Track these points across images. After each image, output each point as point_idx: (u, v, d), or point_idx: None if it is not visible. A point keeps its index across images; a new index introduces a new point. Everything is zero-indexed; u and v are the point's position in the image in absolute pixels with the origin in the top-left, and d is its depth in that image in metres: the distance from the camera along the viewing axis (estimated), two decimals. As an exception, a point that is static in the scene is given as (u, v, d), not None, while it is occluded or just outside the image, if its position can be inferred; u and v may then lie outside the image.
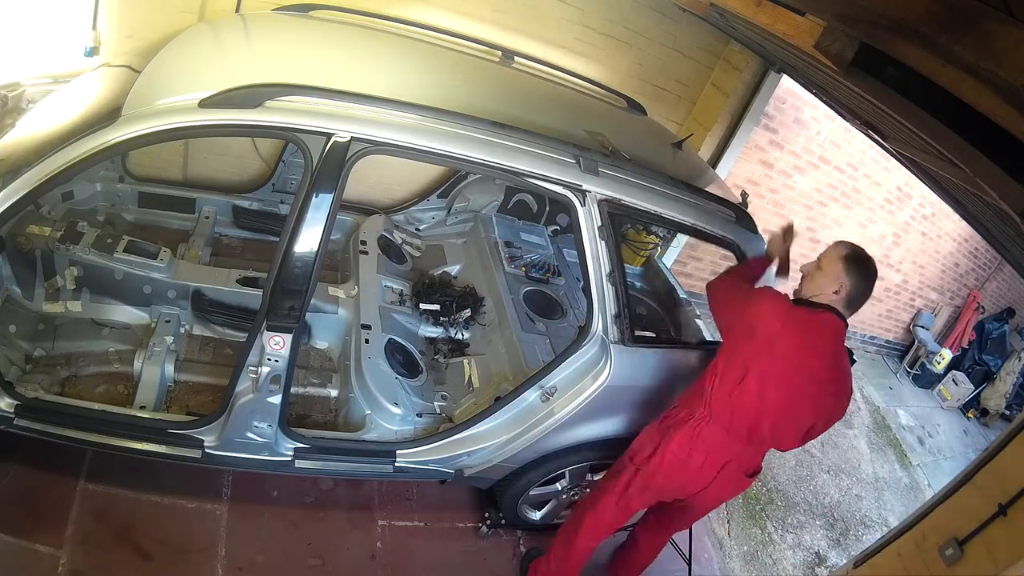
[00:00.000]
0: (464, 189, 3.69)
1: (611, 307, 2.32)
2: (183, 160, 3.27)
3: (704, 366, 2.53)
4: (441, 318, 3.17)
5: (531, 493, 2.72)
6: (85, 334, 2.54)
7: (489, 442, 2.48)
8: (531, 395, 2.43)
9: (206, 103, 1.85)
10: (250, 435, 2.23)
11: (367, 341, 2.76)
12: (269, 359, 2.08)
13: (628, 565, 2.80)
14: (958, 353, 7.02)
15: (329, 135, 1.93)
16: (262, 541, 2.44)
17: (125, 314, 2.66)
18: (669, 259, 4.43)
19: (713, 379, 2.17)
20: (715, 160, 4.09)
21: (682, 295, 3.23)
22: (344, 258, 3.34)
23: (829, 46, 1.68)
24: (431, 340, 3.14)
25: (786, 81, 3.89)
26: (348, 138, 1.95)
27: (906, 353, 6.98)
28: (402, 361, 2.83)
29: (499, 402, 2.49)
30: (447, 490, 2.87)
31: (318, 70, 2.21)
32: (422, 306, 3.17)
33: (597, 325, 2.33)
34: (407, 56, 2.72)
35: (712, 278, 2.48)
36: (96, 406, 2.19)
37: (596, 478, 2.79)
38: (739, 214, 2.55)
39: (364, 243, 3.28)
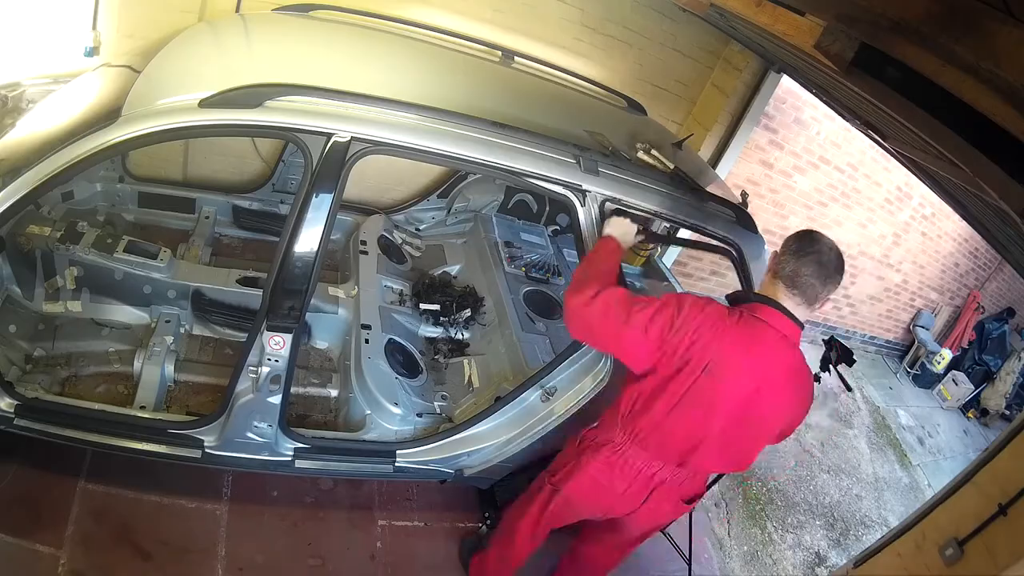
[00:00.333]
0: (464, 189, 3.69)
1: None
2: (183, 160, 3.27)
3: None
4: (441, 318, 3.17)
5: (531, 493, 2.72)
6: (85, 334, 2.54)
7: (489, 442, 2.48)
8: (531, 395, 2.43)
9: (206, 103, 1.85)
10: (250, 435, 2.23)
11: (367, 341, 2.76)
12: (269, 359, 2.09)
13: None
14: (958, 353, 7.02)
15: (329, 135, 1.93)
16: (262, 541, 2.44)
17: (125, 314, 2.66)
18: (669, 259, 4.43)
19: (627, 401, 1.95)
20: (715, 160, 4.09)
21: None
22: (344, 258, 3.35)
23: (829, 46, 1.68)
24: (431, 340, 3.14)
25: (786, 81, 3.89)
26: (348, 138, 1.95)
27: (906, 353, 6.98)
28: (402, 361, 2.83)
29: (499, 402, 2.49)
30: (447, 490, 2.87)
31: (318, 70, 2.21)
32: (422, 306, 3.17)
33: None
34: (407, 56, 2.72)
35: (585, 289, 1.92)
36: (96, 406, 2.19)
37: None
38: (739, 214, 2.55)
39: (364, 243, 3.28)
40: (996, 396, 6.95)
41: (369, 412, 2.57)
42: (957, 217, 3.76)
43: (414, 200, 3.72)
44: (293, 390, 2.42)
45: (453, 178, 3.67)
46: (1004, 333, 7.29)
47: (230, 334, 2.79)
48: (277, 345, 2.07)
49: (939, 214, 5.71)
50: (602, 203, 2.26)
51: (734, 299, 1.96)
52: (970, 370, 7.02)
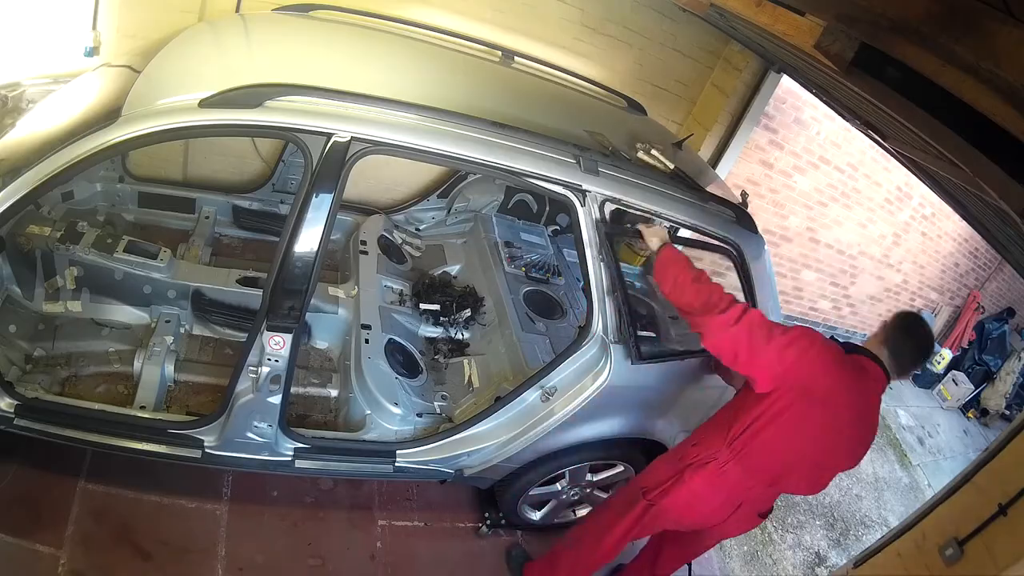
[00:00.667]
0: (464, 189, 3.69)
1: (611, 312, 2.32)
2: (183, 160, 3.26)
3: (702, 367, 2.55)
4: (441, 318, 3.17)
5: (531, 493, 2.72)
6: (85, 334, 2.54)
7: (489, 442, 2.48)
8: (531, 395, 2.43)
9: (206, 103, 1.85)
10: (250, 435, 2.23)
11: (367, 341, 2.76)
12: (269, 359, 2.08)
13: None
14: (958, 353, 7.02)
15: (329, 135, 1.93)
16: (262, 541, 2.44)
17: (125, 314, 2.66)
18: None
19: (741, 422, 2.08)
20: (715, 160, 4.09)
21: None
22: (344, 258, 3.34)
23: (829, 46, 1.68)
24: (431, 340, 3.14)
25: (786, 81, 3.88)
26: (348, 138, 1.95)
27: (906, 353, 6.97)
28: (402, 361, 2.83)
29: (499, 402, 2.49)
30: (447, 490, 2.87)
31: (318, 70, 2.21)
32: (422, 306, 3.16)
33: (597, 325, 2.32)
34: (407, 56, 2.72)
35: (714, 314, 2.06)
36: (96, 406, 2.19)
37: (596, 478, 2.79)
38: (739, 214, 2.55)
39: (364, 243, 3.28)
40: (996, 396, 6.95)
41: (369, 412, 2.57)
42: (957, 217, 3.77)
43: (414, 200, 3.71)
44: (293, 390, 2.41)
45: (453, 178, 3.67)
46: (1004, 333, 7.29)
47: (230, 334, 2.79)
48: (277, 345, 2.07)
49: (939, 214, 5.71)
50: (602, 203, 2.26)
51: (846, 348, 2.11)
52: (970, 370, 7.02)
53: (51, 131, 1.93)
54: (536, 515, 2.87)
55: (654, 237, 2.27)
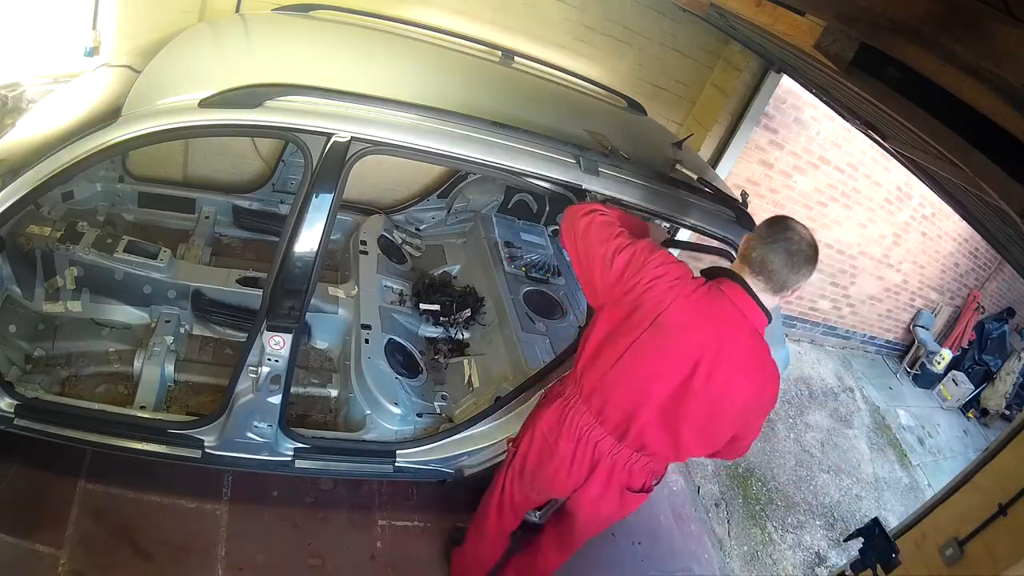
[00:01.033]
0: (464, 189, 3.69)
1: None
2: (183, 160, 3.27)
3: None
4: (441, 318, 3.17)
5: (531, 493, 2.72)
6: (85, 334, 2.54)
7: (489, 442, 2.48)
8: (532, 395, 2.43)
9: (206, 103, 1.85)
10: (250, 435, 2.23)
11: (367, 341, 2.76)
12: (269, 359, 2.09)
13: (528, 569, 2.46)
14: (958, 353, 7.02)
15: (329, 135, 1.93)
16: (262, 541, 2.44)
17: (125, 314, 2.66)
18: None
19: (583, 353, 1.88)
20: (715, 160, 4.09)
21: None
22: (344, 258, 3.35)
23: (829, 46, 1.68)
24: (431, 340, 3.14)
25: (786, 81, 3.88)
26: (348, 138, 1.95)
27: (906, 353, 6.98)
28: (402, 361, 2.83)
29: (499, 402, 2.49)
30: (447, 490, 2.87)
31: (318, 70, 2.21)
32: (422, 306, 3.17)
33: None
34: (407, 56, 2.72)
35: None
36: (96, 406, 2.19)
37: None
38: (739, 214, 2.55)
39: (364, 243, 3.28)
40: (996, 396, 6.95)
41: (369, 412, 2.57)
42: (957, 217, 3.76)
43: (414, 200, 3.72)
44: (293, 390, 2.42)
45: (453, 178, 3.67)
46: (1004, 333, 7.29)
47: (230, 334, 2.79)
48: (277, 345, 2.07)
49: (939, 214, 5.71)
50: (602, 203, 2.26)
51: (706, 273, 1.88)
52: (970, 370, 7.02)
53: (51, 131, 1.93)
54: (536, 515, 2.87)
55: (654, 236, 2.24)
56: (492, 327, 3.14)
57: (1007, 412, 6.89)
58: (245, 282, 2.81)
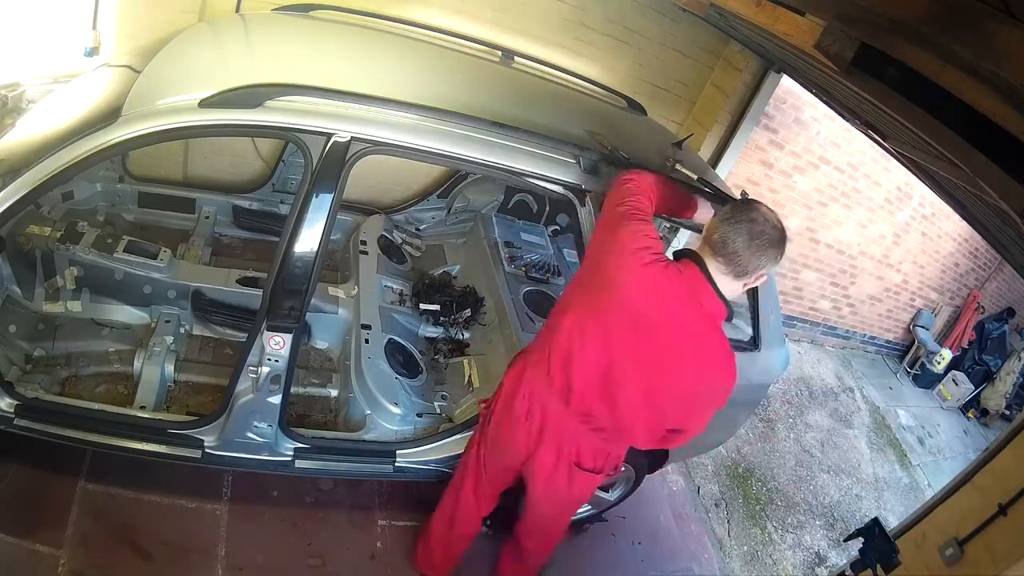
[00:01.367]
0: (464, 189, 3.69)
1: None
2: (183, 160, 3.26)
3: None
4: (441, 318, 3.17)
5: (531, 493, 2.72)
6: (85, 334, 2.54)
7: (489, 442, 2.48)
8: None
9: (206, 103, 1.85)
10: (250, 435, 2.23)
11: (367, 341, 2.76)
12: (269, 359, 2.09)
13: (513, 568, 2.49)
14: (958, 353, 7.02)
15: (329, 135, 1.93)
16: (262, 541, 2.44)
17: (125, 314, 2.66)
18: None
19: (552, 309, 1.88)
20: (715, 160, 4.09)
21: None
22: (344, 258, 3.35)
23: (829, 46, 1.68)
24: (431, 340, 3.14)
25: (786, 81, 3.88)
26: (348, 138, 1.95)
27: (906, 353, 6.98)
28: (402, 361, 2.83)
29: (499, 402, 2.49)
30: (447, 490, 2.87)
31: (318, 70, 2.21)
32: (422, 306, 3.17)
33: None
34: (407, 56, 2.72)
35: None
36: (96, 406, 2.19)
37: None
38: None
39: (364, 243, 3.28)
40: (996, 396, 6.95)
41: (369, 412, 2.57)
42: (957, 217, 3.76)
43: (414, 200, 3.71)
44: (293, 390, 2.42)
45: (453, 178, 3.67)
46: (1004, 333, 7.29)
47: (230, 334, 2.79)
48: (277, 345, 2.07)
49: (939, 214, 5.71)
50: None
51: (676, 255, 1.83)
52: (970, 370, 7.02)
53: (51, 131, 1.93)
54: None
55: None
56: (492, 327, 3.14)
57: (1007, 412, 6.89)
58: (245, 282, 2.81)
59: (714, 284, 1.70)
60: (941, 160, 1.68)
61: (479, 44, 3.12)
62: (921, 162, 2.08)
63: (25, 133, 2.03)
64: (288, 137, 1.99)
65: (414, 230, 3.68)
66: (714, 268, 1.70)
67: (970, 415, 6.86)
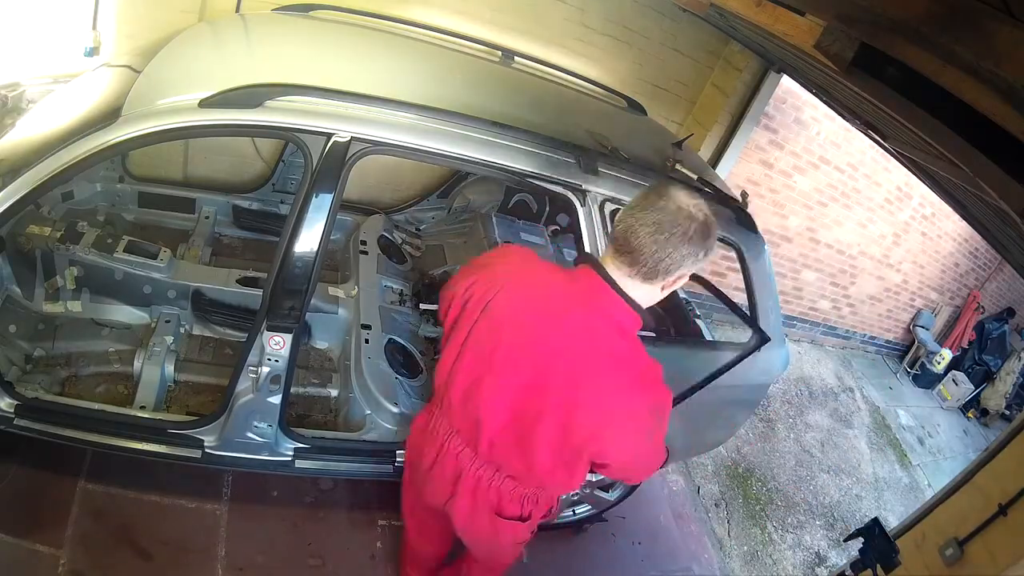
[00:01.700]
0: (464, 189, 3.69)
1: None
2: (183, 160, 3.27)
3: (700, 364, 2.54)
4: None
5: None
6: (85, 334, 2.54)
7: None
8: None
9: (206, 103, 1.85)
10: (250, 435, 2.23)
11: (367, 341, 2.76)
12: (269, 359, 2.08)
13: None
14: (958, 353, 7.02)
15: (329, 135, 1.93)
16: (262, 541, 2.44)
17: (125, 314, 2.66)
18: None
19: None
20: (715, 160, 4.10)
21: (681, 294, 3.23)
22: (344, 258, 3.34)
23: (829, 46, 1.68)
24: (431, 340, 3.14)
25: (786, 81, 3.89)
26: (348, 138, 1.95)
27: (906, 353, 6.98)
28: (402, 361, 2.83)
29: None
30: (447, 490, 2.87)
31: (318, 70, 2.21)
32: (422, 306, 3.16)
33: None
34: (407, 56, 2.72)
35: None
36: (96, 406, 2.19)
37: (595, 478, 2.79)
38: (739, 214, 2.55)
39: (364, 243, 3.28)
40: (996, 396, 6.95)
41: (369, 412, 2.57)
42: (957, 217, 3.76)
43: (414, 200, 3.71)
44: (293, 390, 2.41)
45: (453, 178, 3.67)
46: (1004, 333, 7.29)
47: (230, 334, 2.79)
48: (277, 345, 2.07)
49: (939, 214, 5.71)
50: (602, 203, 2.26)
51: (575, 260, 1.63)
52: (970, 370, 7.02)
53: (51, 131, 1.93)
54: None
55: None
56: (492, 327, 3.13)
57: (1007, 412, 6.89)
58: (245, 282, 2.80)
59: (618, 288, 1.42)
60: (941, 160, 1.68)
61: (479, 44, 3.12)
62: (921, 162, 2.08)
63: (25, 133, 2.03)
64: (288, 137, 1.99)
65: (414, 230, 3.68)
66: (617, 270, 1.42)
67: (970, 415, 6.86)
